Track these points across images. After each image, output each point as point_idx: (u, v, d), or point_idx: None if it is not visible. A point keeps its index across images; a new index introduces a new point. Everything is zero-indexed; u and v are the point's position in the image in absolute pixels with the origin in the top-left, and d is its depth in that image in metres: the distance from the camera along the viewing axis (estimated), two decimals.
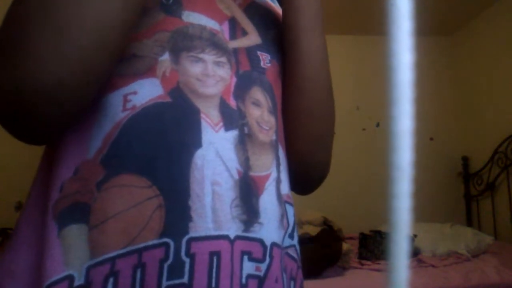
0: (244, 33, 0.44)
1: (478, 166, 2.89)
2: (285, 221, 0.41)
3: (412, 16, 0.12)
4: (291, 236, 0.42)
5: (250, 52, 0.44)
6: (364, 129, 3.30)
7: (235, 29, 0.44)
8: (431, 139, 3.33)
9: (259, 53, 0.45)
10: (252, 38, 0.45)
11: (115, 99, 0.36)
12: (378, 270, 1.93)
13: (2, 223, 2.07)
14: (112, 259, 0.32)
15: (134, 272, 0.31)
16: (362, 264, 2.02)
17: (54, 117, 0.32)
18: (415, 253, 2.21)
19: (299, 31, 0.45)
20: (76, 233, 0.33)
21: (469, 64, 3.13)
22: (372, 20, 3.19)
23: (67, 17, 0.30)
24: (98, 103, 0.36)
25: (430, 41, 3.33)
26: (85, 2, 0.30)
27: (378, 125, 3.32)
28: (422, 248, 2.23)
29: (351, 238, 2.65)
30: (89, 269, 0.32)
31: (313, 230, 1.90)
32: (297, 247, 0.44)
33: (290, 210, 0.43)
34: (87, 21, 0.30)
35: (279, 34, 0.49)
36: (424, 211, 3.12)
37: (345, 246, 1.93)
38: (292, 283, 0.42)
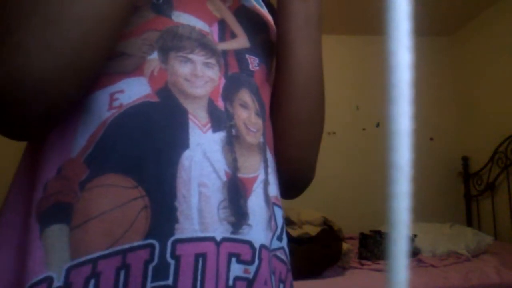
0: (233, 35, 0.44)
1: (478, 166, 2.89)
2: (273, 223, 0.40)
3: (411, 16, 0.12)
4: (279, 239, 0.42)
5: (239, 54, 0.44)
6: (364, 129, 3.30)
7: (224, 31, 0.43)
8: (431, 139, 3.33)
9: (247, 56, 0.45)
10: (241, 41, 0.45)
11: (102, 97, 0.35)
12: (378, 270, 1.93)
13: None
14: (94, 260, 0.31)
15: (117, 274, 0.31)
16: (362, 264, 2.02)
17: (40, 112, 0.31)
18: (415, 253, 2.21)
19: (291, 37, 0.45)
20: (57, 233, 0.32)
21: (469, 64, 3.13)
22: (372, 20, 3.19)
23: (55, 10, 0.29)
24: (83, 101, 0.35)
25: (430, 41, 3.33)
26: None
27: (378, 125, 3.32)
28: (422, 248, 2.23)
29: (351, 238, 2.65)
30: (69, 270, 0.30)
31: (313, 230, 1.90)
32: (286, 249, 0.43)
33: (279, 212, 0.43)
34: (75, 14, 0.29)
35: (268, 39, 0.49)
36: (424, 211, 3.12)
37: (345, 246, 1.93)
38: (281, 286, 0.41)
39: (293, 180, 0.50)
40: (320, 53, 0.47)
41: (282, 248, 0.42)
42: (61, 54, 0.29)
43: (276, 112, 0.48)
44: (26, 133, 0.35)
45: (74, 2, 0.29)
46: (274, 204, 0.42)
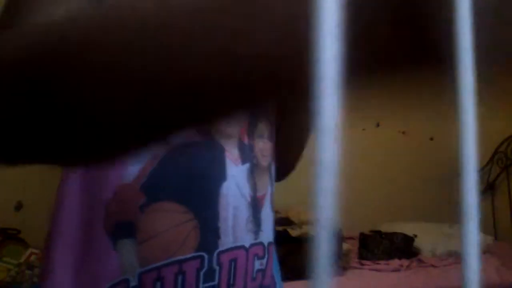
0: None
1: (478, 166, 2.89)
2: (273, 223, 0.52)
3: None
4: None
5: None
6: (364, 129, 3.29)
7: None
8: (431, 139, 3.33)
9: None
10: None
11: None
12: (378, 270, 1.93)
13: (2, 223, 2.07)
14: (158, 268, 0.40)
15: (176, 278, 0.40)
16: (362, 264, 2.02)
17: None
18: (415, 253, 2.21)
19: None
20: (128, 247, 0.40)
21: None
22: None
23: None
24: None
25: None
26: None
27: (378, 125, 3.32)
28: (422, 248, 2.22)
29: (351, 238, 2.65)
30: (140, 275, 0.40)
31: (313, 230, 1.90)
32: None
33: (276, 216, 0.55)
34: None
35: None
36: (424, 211, 3.12)
37: (345, 246, 1.93)
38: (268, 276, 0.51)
39: (284, 169, 0.61)
40: None
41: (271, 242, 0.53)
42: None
43: (280, 133, 0.56)
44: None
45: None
46: (276, 210, 0.53)
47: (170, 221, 0.41)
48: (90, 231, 0.41)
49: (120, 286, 0.39)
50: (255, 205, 0.47)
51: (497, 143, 2.73)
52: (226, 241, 0.43)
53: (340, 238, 1.99)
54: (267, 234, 0.49)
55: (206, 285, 0.41)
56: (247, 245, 0.45)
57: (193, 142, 0.43)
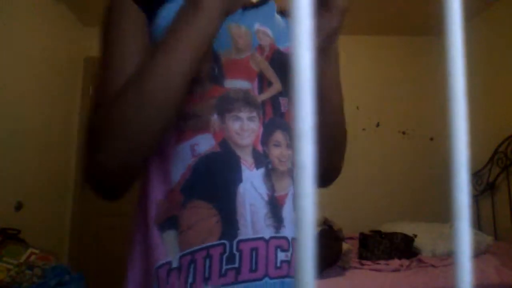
0: (269, 83, 0.58)
1: (478, 166, 2.89)
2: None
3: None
4: None
5: (274, 99, 0.58)
6: (364, 129, 3.30)
7: (262, 83, 0.58)
8: (431, 139, 3.33)
9: (280, 99, 0.59)
10: (275, 87, 0.59)
11: (186, 148, 0.53)
12: (378, 270, 1.93)
13: (2, 223, 2.07)
14: (192, 252, 0.50)
15: (205, 260, 0.50)
16: (362, 264, 2.02)
17: (127, 183, 0.51)
18: (415, 253, 2.21)
19: (329, 85, 0.57)
20: (171, 237, 0.52)
21: (468, 64, 3.12)
22: (371, 20, 3.20)
23: (132, 129, 0.47)
24: (173, 151, 0.53)
25: (430, 41, 3.33)
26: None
27: (378, 125, 3.32)
28: (422, 248, 2.22)
29: (351, 238, 2.65)
30: (180, 258, 0.50)
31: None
32: None
33: None
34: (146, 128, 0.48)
35: None
36: (424, 211, 3.12)
37: (345, 246, 1.93)
38: None
39: (323, 177, 0.63)
40: (341, 92, 0.61)
41: None
42: (139, 154, 0.49)
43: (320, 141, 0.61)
44: (118, 194, 0.53)
45: (156, 111, 0.47)
46: None
47: (200, 215, 0.51)
48: (146, 225, 0.54)
49: (165, 267, 0.51)
50: (274, 203, 0.54)
51: (497, 143, 2.73)
52: (245, 232, 0.51)
53: (340, 238, 1.99)
54: (290, 230, 0.54)
55: (228, 266, 0.50)
56: (266, 237, 0.52)
57: (214, 153, 0.53)
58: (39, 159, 2.55)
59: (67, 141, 3.01)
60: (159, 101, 0.45)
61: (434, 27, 3.07)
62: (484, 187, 2.82)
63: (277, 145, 0.56)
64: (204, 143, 0.53)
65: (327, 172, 0.65)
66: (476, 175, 2.89)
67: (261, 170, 0.54)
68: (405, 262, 2.02)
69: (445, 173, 3.20)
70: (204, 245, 0.50)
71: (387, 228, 2.50)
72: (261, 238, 0.52)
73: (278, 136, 0.56)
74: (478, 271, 1.85)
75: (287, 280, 0.52)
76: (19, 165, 2.33)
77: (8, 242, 1.90)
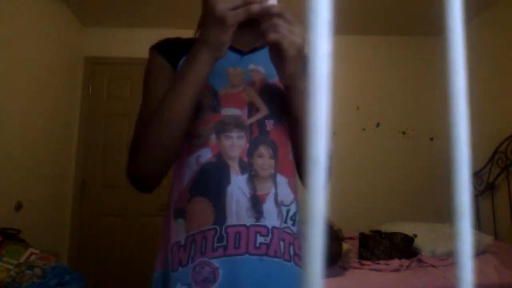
0: (257, 110, 0.76)
1: (478, 166, 2.89)
2: (280, 214, 0.73)
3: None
4: (286, 222, 0.74)
5: (260, 122, 0.76)
6: (364, 129, 3.30)
7: (251, 110, 0.76)
8: (431, 139, 3.33)
9: (266, 121, 0.76)
10: (262, 112, 0.76)
11: (193, 159, 0.73)
12: (378, 270, 1.93)
13: (2, 223, 2.07)
14: (193, 234, 0.69)
15: (202, 240, 0.68)
16: (362, 264, 2.02)
17: (154, 181, 0.71)
18: (415, 253, 2.21)
19: (299, 112, 0.72)
20: (181, 223, 0.71)
21: (469, 64, 3.12)
22: (371, 20, 3.19)
23: (157, 140, 0.67)
24: (185, 161, 0.74)
25: (431, 41, 3.34)
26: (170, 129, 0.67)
27: (378, 125, 3.32)
28: (422, 248, 2.22)
29: (351, 238, 2.65)
30: (186, 238, 0.70)
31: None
32: (292, 228, 0.75)
33: (284, 209, 0.75)
34: (169, 136, 0.67)
35: (281, 102, 0.77)
36: (424, 211, 3.12)
37: (345, 246, 1.93)
38: (291, 246, 0.73)
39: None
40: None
41: (288, 227, 0.74)
42: (160, 161, 0.68)
43: (295, 148, 0.79)
44: (149, 188, 0.72)
45: (168, 130, 0.66)
46: (282, 205, 0.74)
47: (201, 207, 0.70)
48: (169, 214, 0.75)
49: (177, 244, 0.70)
50: (256, 200, 0.71)
51: (497, 143, 2.73)
52: (231, 220, 0.69)
53: (340, 238, 1.99)
54: (271, 221, 0.70)
55: (218, 244, 0.67)
56: (247, 224, 0.69)
57: (211, 162, 0.72)
58: (39, 159, 2.55)
59: (67, 141, 3.01)
60: (171, 125, 0.66)
61: (435, 27, 3.07)
62: (484, 187, 2.83)
63: (260, 156, 0.73)
64: (205, 155, 0.72)
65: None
66: (476, 175, 2.89)
67: (246, 176, 0.72)
68: (405, 262, 2.02)
69: (445, 173, 3.20)
70: (201, 229, 0.69)
71: (387, 228, 2.50)
72: (243, 225, 0.69)
73: (261, 150, 0.74)
74: (478, 271, 1.85)
75: (265, 257, 0.68)
76: (19, 165, 2.33)
77: (8, 242, 1.90)
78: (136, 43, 3.22)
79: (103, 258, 2.97)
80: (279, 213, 0.72)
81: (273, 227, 0.70)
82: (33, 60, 2.48)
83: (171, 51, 0.79)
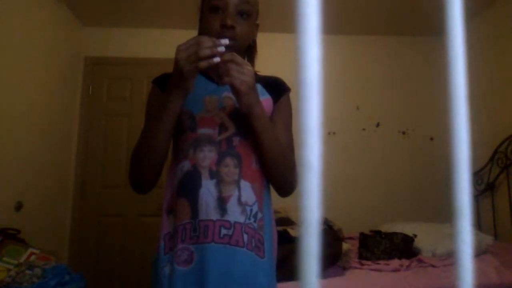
0: (226, 129, 0.94)
1: (478, 166, 2.89)
2: (244, 212, 0.90)
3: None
4: (249, 219, 0.90)
5: (228, 138, 0.93)
6: (364, 129, 3.30)
7: (221, 129, 0.94)
8: (431, 139, 3.33)
9: (233, 138, 0.94)
10: (230, 131, 0.94)
11: (179, 169, 0.93)
12: (378, 270, 1.93)
13: (2, 223, 2.07)
14: (177, 227, 0.89)
15: (182, 231, 0.88)
16: (362, 264, 2.02)
17: (150, 186, 0.94)
18: (415, 253, 2.21)
19: (258, 132, 0.89)
20: (171, 218, 0.92)
21: (469, 64, 3.13)
22: (371, 20, 3.19)
23: (149, 156, 0.90)
24: (175, 169, 0.95)
25: (431, 41, 3.34)
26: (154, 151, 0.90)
27: (378, 125, 3.32)
28: (422, 248, 2.22)
29: (351, 238, 2.65)
30: (175, 229, 0.90)
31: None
32: (254, 223, 0.91)
33: (248, 208, 0.91)
34: (156, 153, 0.90)
35: (246, 122, 0.90)
36: (424, 211, 3.12)
37: (345, 246, 1.93)
38: (252, 240, 0.89)
39: (278, 190, 0.97)
40: (274, 131, 0.93)
41: (250, 223, 0.90)
42: (148, 174, 0.92)
43: (259, 160, 0.95)
44: (144, 191, 0.95)
45: (154, 148, 0.89)
46: (245, 204, 0.91)
47: (182, 206, 0.90)
48: (162, 209, 0.94)
49: (168, 234, 0.91)
50: (221, 200, 0.88)
51: (497, 143, 2.73)
52: (201, 216, 0.88)
53: (340, 238, 1.99)
54: (234, 217, 0.88)
55: (193, 234, 0.87)
56: (214, 219, 0.88)
57: (190, 171, 0.91)
58: (39, 159, 2.55)
59: (67, 141, 3.01)
60: (152, 146, 0.89)
61: (435, 27, 3.07)
62: (484, 187, 2.83)
63: (226, 165, 0.91)
64: (186, 166, 0.92)
65: (276, 185, 0.96)
66: (476, 175, 2.89)
67: (214, 181, 0.90)
68: (405, 262, 2.02)
69: (445, 173, 3.20)
70: (182, 222, 0.89)
71: (387, 228, 2.50)
72: (211, 220, 0.87)
73: (227, 160, 0.91)
74: (478, 271, 1.85)
75: (227, 246, 0.86)
76: (19, 165, 2.33)
77: (8, 242, 1.90)
78: (136, 43, 3.22)
79: (103, 258, 2.97)
80: (243, 211, 0.89)
81: (236, 222, 0.88)
82: (33, 60, 2.48)
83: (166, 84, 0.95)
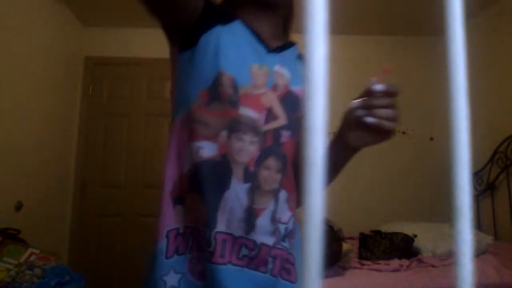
0: (275, 117, 0.71)
1: (478, 166, 2.89)
2: (276, 233, 0.69)
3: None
4: (283, 241, 0.71)
5: (276, 131, 0.71)
6: None
7: (269, 117, 0.70)
8: (431, 139, 3.33)
9: (282, 131, 0.71)
10: (280, 121, 0.71)
11: (193, 148, 0.68)
12: (378, 270, 1.93)
13: (2, 223, 2.07)
14: (188, 227, 0.67)
15: (198, 235, 0.67)
16: (362, 264, 2.02)
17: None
18: (415, 253, 2.21)
19: (342, 166, 0.76)
20: (180, 210, 0.68)
21: (469, 64, 3.12)
22: (372, 20, 3.19)
23: None
24: (186, 146, 0.69)
25: (431, 41, 3.33)
26: None
27: None
28: (422, 248, 2.22)
29: (351, 238, 2.65)
30: (185, 228, 0.67)
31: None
32: (284, 245, 0.71)
33: (282, 227, 0.71)
34: None
35: (301, 114, 0.74)
36: (424, 211, 3.12)
37: (345, 246, 1.93)
38: (284, 261, 0.70)
39: (299, 202, 0.78)
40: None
41: (281, 244, 0.71)
42: None
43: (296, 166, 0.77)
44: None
45: None
46: (279, 222, 0.70)
47: (196, 204, 0.67)
48: (164, 197, 0.69)
49: (173, 231, 0.67)
50: (251, 213, 0.67)
51: (497, 143, 2.73)
52: (220, 226, 0.66)
53: (340, 238, 1.99)
54: (261, 237, 0.67)
55: (208, 249, 0.65)
56: (236, 235, 0.66)
57: (215, 161, 0.67)
58: (39, 159, 2.55)
59: (67, 141, 3.01)
60: None
61: (435, 27, 3.07)
62: (484, 187, 2.83)
63: (267, 168, 0.69)
64: (209, 149, 0.67)
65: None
66: (476, 175, 2.89)
67: (247, 185, 0.67)
68: (405, 262, 2.02)
69: (445, 173, 3.20)
70: (197, 225, 0.67)
71: (387, 228, 2.50)
72: (231, 235, 0.66)
73: (271, 161, 0.70)
74: (478, 271, 1.85)
75: (245, 269, 0.67)
76: (19, 165, 2.33)
77: (8, 242, 1.90)
78: (136, 43, 3.22)
79: (103, 258, 2.97)
80: (275, 230, 0.69)
81: (262, 244, 0.67)
82: (33, 60, 2.48)
83: (210, 14, 0.72)
